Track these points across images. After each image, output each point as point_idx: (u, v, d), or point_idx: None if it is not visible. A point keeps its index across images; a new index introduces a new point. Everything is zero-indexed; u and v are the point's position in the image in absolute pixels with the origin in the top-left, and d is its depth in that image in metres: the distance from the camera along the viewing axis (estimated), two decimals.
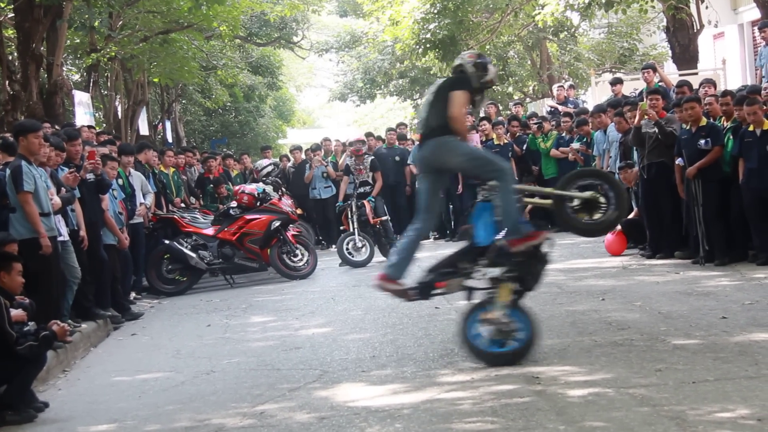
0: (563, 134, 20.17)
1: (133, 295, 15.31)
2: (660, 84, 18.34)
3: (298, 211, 18.90)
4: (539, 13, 24.61)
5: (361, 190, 17.99)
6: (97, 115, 25.99)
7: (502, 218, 8.70)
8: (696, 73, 22.14)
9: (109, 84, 27.06)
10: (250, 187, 17.48)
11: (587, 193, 9.21)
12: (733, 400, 6.66)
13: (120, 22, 23.32)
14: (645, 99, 15.08)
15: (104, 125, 25.49)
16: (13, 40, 20.75)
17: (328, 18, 50.29)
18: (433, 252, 18.60)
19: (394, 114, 57.64)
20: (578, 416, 6.61)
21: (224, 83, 34.97)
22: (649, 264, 14.30)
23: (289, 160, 23.61)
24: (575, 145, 19.11)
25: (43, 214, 10.79)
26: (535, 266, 8.82)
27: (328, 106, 69.58)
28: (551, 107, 23.50)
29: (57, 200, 11.29)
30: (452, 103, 8.86)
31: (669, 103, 15.50)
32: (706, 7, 24.12)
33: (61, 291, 11.40)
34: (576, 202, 9.25)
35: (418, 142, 9.08)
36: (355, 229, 17.39)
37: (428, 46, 27.97)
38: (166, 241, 16.59)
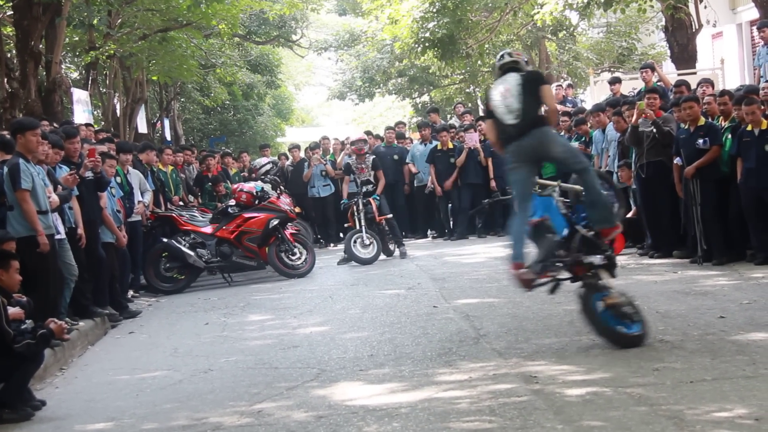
0: (562, 133, 20.15)
1: (130, 293, 15.29)
2: (659, 83, 18.34)
3: (297, 210, 18.88)
4: (538, 12, 24.62)
5: (364, 189, 17.97)
6: (95, 113, 25.98)
7: (592, 209, 9.12)
8: (694, 73, 22.13)
9: (107, 82, 27.07)
10: (249, 186, 17.47)
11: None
12: (731, 400, 6.67)
13: (119, 20, 23.31)
14: (643, 98, 15.10)
15: (103, 123, 25.50)
16: (12, 37, 20.74)
17: (327, 16, 50.30)
18: (432, 250, 18.67)
19: (392, 113, 57.64)
20: (576, 415, 6.61)
21: (223, 81, 34.93)
22: (648, 263, 14.31)
23: (287, 158, 23.59)
24: (573, 144, 19.08)
25: (40, 212, 10.78)
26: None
27: (327, 105, 69.61)
28: None
29: (55, 198, 11.28)
30: (548, 96, 9.41)
31: (667, 103, 15.50)
32: (705, 7, 24.11)
33: (59, 289, 11.39)
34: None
35: (515, 132, 9.08)
36: (363, 227, 17.39)
37: (427, 45, 27.97)
38: (164, 240, 16.59)
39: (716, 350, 8.22)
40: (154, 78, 27.40)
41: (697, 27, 23.95)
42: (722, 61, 26.40)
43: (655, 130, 14.23)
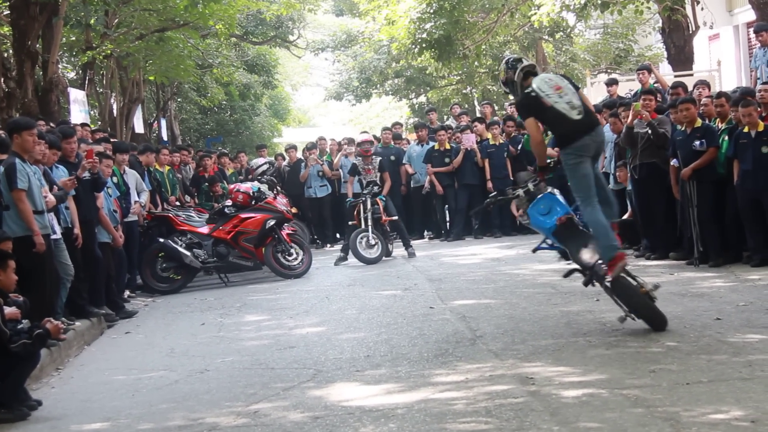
0: None
1: (127, 293, 15.29)
2: (656, 85, 18.35)
3: (293, 210, 18.88)
4: (535, 14, 24.63)
5: (369, 189, 17.95)
6: (92, 112, 26.00)
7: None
8: (691, 75, 22.13)
9: (104, 82, 27.07)
10: (245, 186, 17.46)
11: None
12: (727, 402, 6.67)
13: (116, 20, 23.32)
14: (639, 99, 15.10)
15: (99, 123, 25.49)
16: (9, 37, 20.73)
17: (324, 17, 50.32)
18: (428, 251, 18.67)
19: (389, 113, 57.66)
20: (572, 417, 6.61)
21: (220, 82, 34.94)
22: (644, 265, 14.30)
23: (284, 158, 23.58)
24: None
25: (36, 212, 10.78)
26: None
27: (324, 105, 69.61)
28: None
29: (51, 198, 11.27)
30: (587, 98, 10.01)
31: (663, 104, 15.50)
32: (702, 9, 24.14)
33: (55, 289, 11.38)
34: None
35: (588, 127, 9.53)
36: (369, 226, 17.40)
37: (424, 45, 27.97)
38: (161, 240, 16.57)
39: (712, 352, 8.22)
40: (151, 78, 27.43)
41: (693, 29, 23.95)
42: (719, 62, 26.39)
43: (650, 132, 14.23)
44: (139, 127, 28.35)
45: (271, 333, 11.45)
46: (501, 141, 20.74)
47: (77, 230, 12.33)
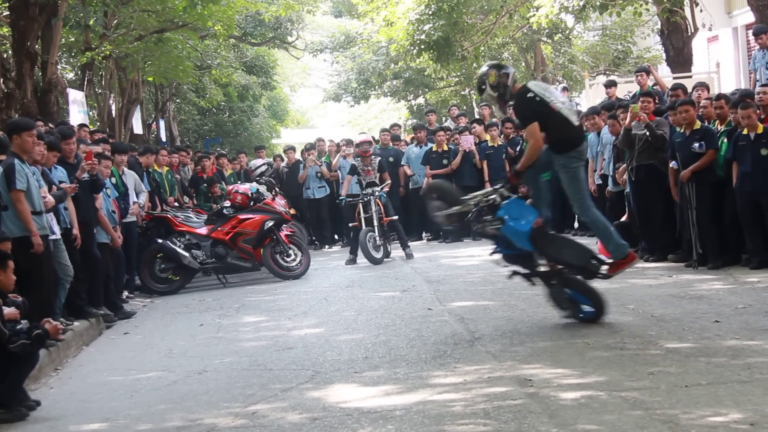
0: None
1: (125, 293, 15.30)
2: (655, 87, 18.35)
3: (292, 211, 18.89)
4: (534, 15, 24.65)
5: (369, 191, 17.93)
6: (91, 113, 26.01)
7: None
8: (690, 77, 22.13)
9: (103, 83, 27.08)
10: (244, 187, 17.48)
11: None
12: (726, 405, 6.67)
13: (115, 21, 23.31)
14: (637, 101, 15.11)
15: (98, 124, 25.50)
16: (8, 38, 20.74)
17: (323, 18, 50.33)
18: (427, 253, 18.67)
19: (387, 115, 57.67)
20: (570, 419, 6.61)
21: (218, 83, 34.97)
22: (642, 267, 14.28)
23: (282, 160, 23.59)
24: None
25: (34, 213, 10.77)
26: None
27: (322, 107, 69.60)
28: None
29: (50, 199, 11.28)
30: None
31: (662, 106, 15.49)
32: (701, 11, 24.13)
33: (54, 289, 11.38)
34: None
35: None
36: (376, 227, 17.40)
37: (423, 47, 27.99)
38: (159, 240, 16.57)
39: (711, 355, 8.22)
40: (150, 79, 27.43)
41: (692, 30, 23.95)
42: (718, 64, 26.38)
43: (648, 134, 14.23)
44: (137, 128, 28.36)
45: (269, 334, 11.45)
46: (499, 143, 20.75)
47: (76, 231, 12.34)
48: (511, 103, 10.22)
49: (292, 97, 63.57)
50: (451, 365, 8.67)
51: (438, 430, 6.71)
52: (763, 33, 17.64)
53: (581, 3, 22.94)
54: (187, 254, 16.41)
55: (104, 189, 13.78)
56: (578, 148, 10.00)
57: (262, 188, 17.57)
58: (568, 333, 9.65)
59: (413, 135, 22.88)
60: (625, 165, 15.28)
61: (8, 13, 19.70)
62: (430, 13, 27.07)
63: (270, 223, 16.56)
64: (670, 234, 14.43)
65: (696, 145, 13.44)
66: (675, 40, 23.94)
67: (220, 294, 15.81)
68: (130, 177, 15.86)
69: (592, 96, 24.68)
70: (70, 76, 28.80)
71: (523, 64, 35.93)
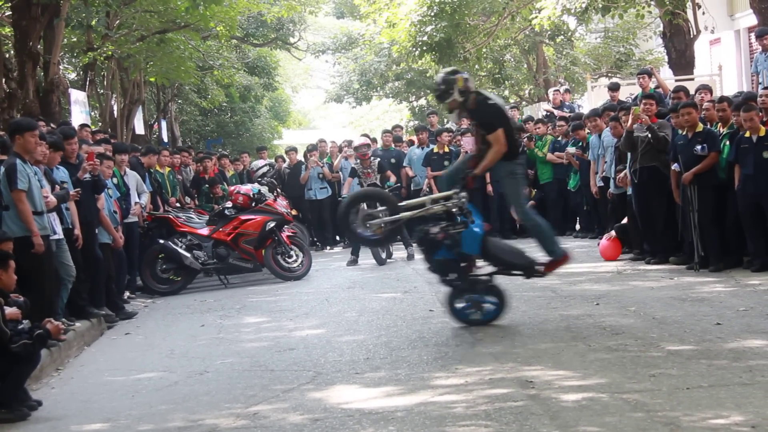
0: (559, 138, 20.20)
1: (127, 294, 15.30)
2: (657, 89, 18.35)
3: (293, 212, 18.89)
4: (536, 17, 24.67)
5: None
6: (93, 114, 26.02)
7: None
8: (692, 79, 22.14)
9: (105, 83, 27.11)
10: (246, 188, 17.48)
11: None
12: (727, 407, 6.67)
13: (117, 22, 23.31)
14: (639, 103, 15.12)
15: (100, 124, 25.52)
16: (10, 38, 20.73)
17: (325, 19, 50.33)
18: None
19: (389, 116, 57.69)
20: (572, 421, 6.61)
21: (220, 83, 34.97)
22: (644, 269, 14.31)
23: (284, 161, 23.60)
24: (571, 149, 19.14)
25: (35, 213, 10.77)
26: None
27: (324, 108, 69.57)
28: (547, 111, 23.52)
29: (52, 199, 11.28)
30: None
31: (665, 108, 15.49)
32: (703, 13, 24.15)
33: (55, 289, 11.39)
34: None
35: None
36: None
37: (425, 48, 27.99)
38: (161, 241, 16.58)
39: (713, 357, 8.22)
40: (152, 79, 27.40)
41: (694, 33, 23.97)
42: (720, 67, 26.41)
43: (650, 136, 14.23)
44: (139, 129, 28.37)
45: (270, 335, 11.45)
46: None
47: (77, 231, 12.34)
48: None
49: (293, 98, 63.61)
50: (453, 367, 8.66)
51: (439, 431, 6.71)
52: (766, 34, 17.64)
53: (583, 5, 22.94)
54: (188, 255, 16.42)
55: (106, 189, 13.78)
56: (522, 156, 10.70)
57: (264, 189, 17.59)
58: (570, 335, 9.66)
59: (415, 136, 22.86)
60: (623, 168, 15.29)
61: (10, 13, 19.70)
62: (433, 14, 27.08)
63: (271, 224, 16.56)
64: (672, 236, 14.42)
65: (698, 147, 13.45)
66: (677, 42, 23.97)
67: (221, 295, 15.81)
68: (132, 177, 15.87)
69: (594, 98, 24.70)
70: (72, 76, 28.80)
71: (525, 66, 35.94)
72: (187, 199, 19.41)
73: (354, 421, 7.14)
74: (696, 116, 13.71)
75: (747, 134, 12.96)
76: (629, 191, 15.24)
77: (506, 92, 36.77)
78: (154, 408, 8.28)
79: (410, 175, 21.49)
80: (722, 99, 14.37)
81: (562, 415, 6.78)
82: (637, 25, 31.57)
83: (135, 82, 27.49)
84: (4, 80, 18.27)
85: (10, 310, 8.65)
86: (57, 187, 11.73)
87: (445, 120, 29.80)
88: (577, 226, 20.13)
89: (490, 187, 20.43)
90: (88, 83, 23.39)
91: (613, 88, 20.09)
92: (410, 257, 17.66)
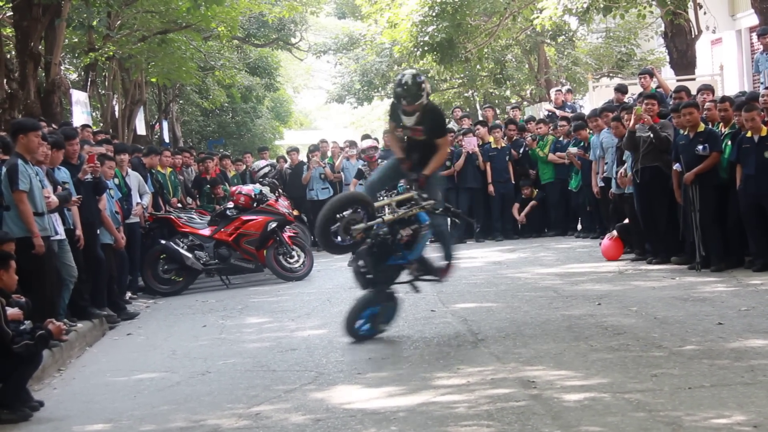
0: (560, 138, 20.20)
1: (128, 294, 15.29)
2: (658, 89, 18.34)
3: (295, 213, 18.88)
4: (537, 17, 24.67)
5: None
6: (94, 114, 26.02)
7: None
8: (693, 79, 22.14)
9: (106, 83, 27.11)
10: (247, 188, 17.48)
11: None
12: (729, 407, 6.67)
13: (118, 22, 23.34)
14: (641, 103, 15.11)
15: (101, 125, 25.52)
16: (12, 38, 20.76)
17: (327, 20, 50.32)
18: (429, 254, 18.63)
19: None
20: (574, 421, 6.61)
21: (222, 84, 35.01)
22: (646, 269, 14.31)
23: (286, 161, 23.60)
24: (572, 149, 19.13)
25: (36, 214, 10.76)
26: None
27: (326, 108, 69.59)
28: (548, 111, 23.53)
29: (54, 199, 11.27)
30: None
31: (666, 108, 15.48)
32: (704, 13, 24.15)
33: (57, 290, 11.39)
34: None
35: None
36: None
37: (426, 48, 27.99)
38: (163, 241, 16.57)
39: (714, 357, 8.22)
40: (153, 80, 27.43)
41: (696, 33, 23.98)
42: (721, 67, 26.43)
43: (652, 136, 14.23)
44: (141, 129, 28.38)
45: (272, 335, 11.45)
46: (503, 144, 20.76)
47: (79, 232, 12.34)
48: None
49: (295, 99, 63.60)
50: (454, 367, 8.67)
51: (441, 431, 6.71)
52: (767, 33, 17.64)
53: (585, 5, 22.95)
54: (190, 255, 16.41)
55: (108, 190, 13.77)
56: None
57: (266, 189, 17.57)
58: (572, 335, 9.65)
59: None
60: (626, 167, 15.28)
61: (12, 13, 19.71)
62: (434, 14, 27.08)
63: (273, 225, 16.56)
64: (674, 236, 14.41)
65: (700, 147, 13.44)
66: (678, 42, 23.97)
67: (223, 295, 15.81)
68: (134, 178, 15.88)
69: (595, 98, 24.70)
70: (74, 76, 28.82)
71: (527, 66, 35.94)
72: (189, 200, 19.41)
73: (356, 421, 7.14)
74: (697, 116, 13.71)
75: (749, 134, 12.96)
76: (627, 189, 15.24)
77: (508, 92, 36.81)
78: (156, 408, 8.28)
79: None
80: (724, 99, 14.36)
81: (564, 415, 6.79)
82: (639, 25, 31.58)
83: (136, 83, 27.50)
84: (5, 81, 18.28)
85: (12, 311, 8.65)
86: (59, 187, 11.72)
87: (447, 120, 29.75)
88: (579, 226, 20.13)
89: (491, 188, 20.45)
90: (89, 84, 23.41)
91: (621, 90, 19.93)
92: None
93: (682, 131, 13.89)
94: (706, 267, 13.43)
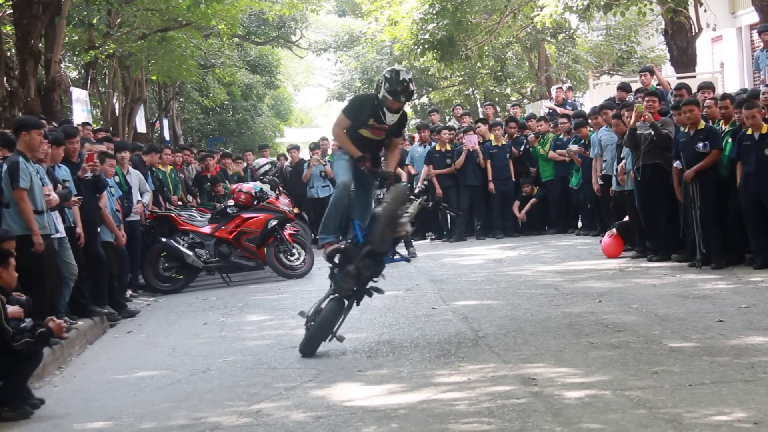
0: (561, 136, 20.20)
1: (129, 292, 15.29)
2: (658, 87, 18.33)
3: (296, 210, 18.88)
4: (538, 15, 24.64)
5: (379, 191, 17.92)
6: (94, 112, 26.02)
7: None
8: (694, 76, 22.12)
9: (107, 81, 27.11)
10: (248, 186, 17.47)
11: None
12: (730, 404, 6.67)
13: (118, 20, 23.34)
14: (642, 100, 15.10)
15: (102, 122, 25.52)
16: (12, 36, 20.75)
17: (327, 17, 50.34)
18: (430, 252, 18.68)
19: None
20: (574, 418, 6.61)
21: (222, 82, 35.00)
22: (646, 266, 14.30)
23: (286, 159, 23.61)
24: (573, 147, 19.13)
25: (36, 212, 10.76)
26: (338, 275, 10.37)
27: (326, 106, 69.51)
28: (549, 108, 23.53)
29: (54, 197, 11.27)
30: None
31: (667, 106, 15.48)
32: (705, 11, 24.12)
33: (57, 288, 11.39)
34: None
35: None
36: None
37: (426, 46, 27.98)
38: (163, 239, 16.57)
39: (715, 354, 8.22)
40: (154, 78, 27.45)
41: (696, 30, 23.95)
42: (722, 64, 26.40)
43: (653, 133, 14.23)
44: (141, 127, 28.39)
45: (273, 333, 11.46)
46: (503, 142, 20.76)
47: (79, 229, 12.34)
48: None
49: (295, 96, 63.64)
50: (455, 364, 8.67)
51: (442, 428, 6.71)
52: None
53: (585, 3, 22.92)
54: (190, 253, 16.42)
55: (108, 188, 13.77)
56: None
57: (266, 187, 17.56)
58: (572, 332, 9.65)
59: (419, 133, 22.86)
60: (624, 163, 15.28)
61: (12, 11, 19.71)
62: (434, 12, 27.07)
63: (274, 222, 16.56)
64: (674, 233, 14.41)
65: (700, 144, 13.43)
66: (679, 40, 23.95)
67: (223, 293, 15.81)
68: (135, 176, 15.88)
69: (596, 96, 24.68)
70: (74, 74, 28.84)
71: (527, 63, 35.94)
72: (189, 198, 19.42)
73: (357, 418, 7.15)
74: (698, 113, 13.69)
75: (749, 131, 12.95)
76: (627, 186, 15.25)
77: (508, 90, 36.80)
78: (156, 406, 8.29)
79: (412, 173, 21.48)
80: (725, 96, 14.36)
81: (564, 412, 6.79)
82: (639, 23, 31.54)
83: (136, 81, 27.52)
84: (5, 79, 18.28)
85: (13, 309, 8.65)
86: (59, 185, 11.72)
87: (447, 118, 29.80)
88: (579, 224, 20.12)
89: (492, 185, 20.45)
90: (89, 81, 23.42)
91: (625, 88, 19.81)
92: (412, 255, 17.64)
93: (682, 129, 13.89)
94: (706, 264, 13.43)
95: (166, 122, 33.58)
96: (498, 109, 28.14)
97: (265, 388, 8.48)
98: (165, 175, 18.30)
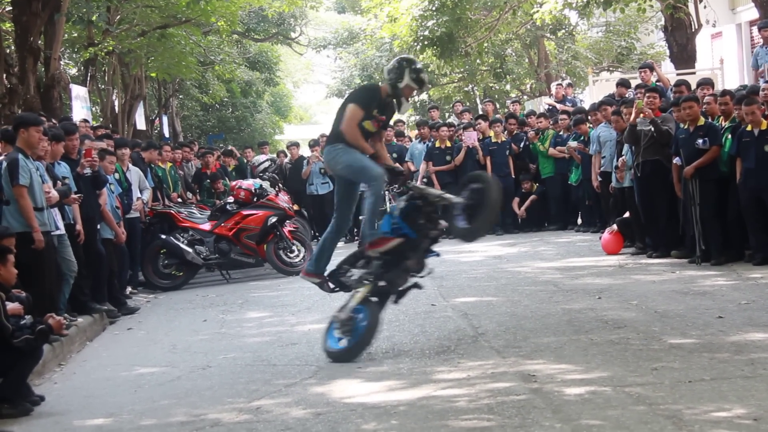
0: (560, 132, 20.20)
1: (129, 289, 15.29)
2: (658, 83, 18.33)
3: (295, 207, 18.88)
4: (537, 11, 24.64)
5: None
6: (94, 109, 26.02)
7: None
8: (693, 73, 22.13)
9: (106, 78, 27.10)
10: (247, 183, 17.48)
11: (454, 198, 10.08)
12: (729, 400, 6.67)
13: (118, 17, 23.34)
14: (642, 97, 15.10)
15: (101, 120, 25.52)
16: (11, 33, 20.73)
17: (326, 14, 50.35)
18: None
19: None
20: (574, 414, 6.61)
21: (221, 78, 34.98)
22: (646, 263, 14.30)
23: (286, 155, 23.61)
24: (572, 143, 19.13)
25: (36, 209, 10.76)
26: (395, 272, 9.46)
27: (326, 103, 69.46)
28: (549, 105, 23.53)
29: (54, 194, 11.27)
30: (344, 117, 9.49)
31: (666, 102, 15.48)
32: (704, 7, 24.12)
33: (57, 285, 11.39)
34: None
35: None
36: None
37: (426, 43, 27.99)
38: (163, 236, 16.58)
39: (715, 350, 8.22)
40: (153, 75, 27.46)
41: (696, 27, 23.96)
42: (721, 61, 26.41)
43: (653, 129, 14.22)
44: (140, 124, 28.39)
45: (272, 330, 11.46)
46: (503, 139, 20.74)
47: (79, 226, 12.33)
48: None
49: (295, 93, 63.68)
50: (455, 361, 8.67)
51: (442, 425, 6.71)
52: None
53: None
54: (190, 250, 16.42)
55: (108, 185, 13.77)
56: None
57: (266, 184, 17.56)
58: (572, 329, 9.65)
59: (419, 130, 22.86)
60: (624, 157, 15.27)
61: (11, 8, 19.70)
62: (434, 9, 27.08)
63: (273, 219, 16.57)
64: (674, 230, 14.41)
65: (699, 141, 13.42)
66: (679, 36, 23.96)
67: (223, 290, 15.82)
68: (135, 173, 15.89)
69: (595, 92, 24.68)
70: (73, 71, 28.80)
71: (527, 60, 35.92)
72: (189, 195, 19.41)
73: (356, 415, 7.14)
74: (697, 110, 13.69)
75: (749, 128, 12.94)
76: (626, 182, 15.25)
77: (508, 87, 36.77)
78: (156, 403, 8.29)
79: (412, 169, 21.45)
80: (725, 93, 14.35)
81: (564, 408, 6.78)
82: (639, 19, 31.52)
83: (136, 78, 27.51)
84: (4, 76, 18.26)
85: (12, 306, 8.65)
86: (59, 182, 11.72)
87: (447, 115, 29.79)
88: (579, 221, 20.13)
89: None
90: (89, 78, 23.41)
91: (624, 84, 19.78)
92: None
93: (682, 125, 13.88)
94: (706, 261, 13.43)
95: (165, 119, 33.58)
96: (497, 106, 28.10)
97: (265, 385, 8.48)
98: (164, 172, 18.30)
